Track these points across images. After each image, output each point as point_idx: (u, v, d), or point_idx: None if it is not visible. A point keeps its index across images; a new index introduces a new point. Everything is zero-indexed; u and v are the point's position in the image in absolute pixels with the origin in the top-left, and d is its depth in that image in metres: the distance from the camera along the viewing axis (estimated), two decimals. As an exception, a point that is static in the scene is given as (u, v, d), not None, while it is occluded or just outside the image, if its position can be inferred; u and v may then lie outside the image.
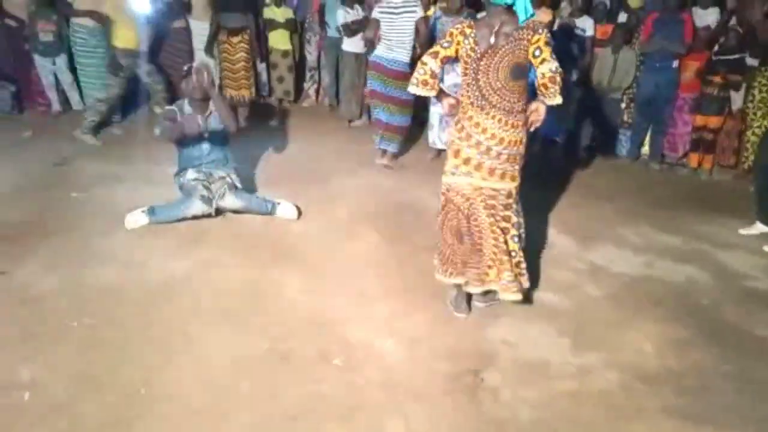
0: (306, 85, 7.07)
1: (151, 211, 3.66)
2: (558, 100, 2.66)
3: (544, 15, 5.40)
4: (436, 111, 5.03)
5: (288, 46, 6.52)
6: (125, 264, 3.22)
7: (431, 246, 3.61)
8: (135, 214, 3.64)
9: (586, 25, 5.72)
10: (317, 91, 7.13)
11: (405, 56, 4.74)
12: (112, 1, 5.00)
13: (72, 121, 5.45)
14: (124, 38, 5.04)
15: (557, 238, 3.92)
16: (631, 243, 3.97)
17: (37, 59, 5.66)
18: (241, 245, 3.53)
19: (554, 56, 2.63)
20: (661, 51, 5.43)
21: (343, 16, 5.84)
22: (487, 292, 2.95)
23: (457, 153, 2.81)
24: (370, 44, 4.96)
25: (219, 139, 3.86)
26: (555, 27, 5.60)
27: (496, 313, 3.02)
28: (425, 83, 2.80)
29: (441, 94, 2.92)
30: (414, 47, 4.77)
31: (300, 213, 3.96)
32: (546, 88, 2.64)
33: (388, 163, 5.12)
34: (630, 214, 4.43)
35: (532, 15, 2.77)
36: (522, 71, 2.68)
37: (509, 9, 2.67)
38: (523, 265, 2.89)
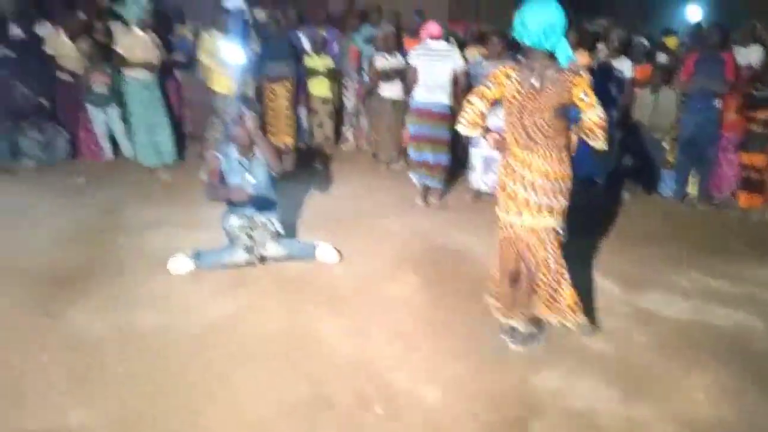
0: (344, 128, 7.20)
1: (197, 257, 3.74)
2: (602, 145, 2.76)
3: (581, 57, 5.40)
4: (478, 153, 5.05)
5: (328, 94, 6.68)
6: (170, 308, 3.30)
7: (472, 290, 3.61)
8: (179, 258, 3.72)
9: (623, 67, 5.71)
10: (356, 136, 7.25)
11: (445, 99, 4.92)
12: (208, 51, 5.52)
13: (123, 168, 5.68)
14: (221, 84, 5.53)
15: (602, 283, 3.83)
16: (679, 287, 3.84)
17: (90, 109, 5.97)
18: (282, 289, 3.58)
19: (598, 101, 2.72)
20: (703, 90, 5.36)
21: (381, 62, 5.97)
22: (530, 335, 3.02)
23: (504, 188, 2.90)
24: (409, 90, 5.16)
25: (263, 183, 3.94)
26: (593, 68, 5.60)
27: (540, 360, 2.95)
28: (474, 123, 2.88)
29: (486, 132, 2.97)
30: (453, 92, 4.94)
31: (340, 256, 3.99)
32: (592, 131, 2.75)
33: (435, 200, 5.27)
34: (677, 257, 4.30)
35: (571, 59, 2.81)
36: (564, 111, 2.77)
37: (550, 54, 2.75)
38: (577, 299, 3.01)
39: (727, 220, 5.46)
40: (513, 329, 3.05)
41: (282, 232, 3.96)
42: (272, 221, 3.93)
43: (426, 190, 5.28)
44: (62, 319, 3.15)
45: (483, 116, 2.86)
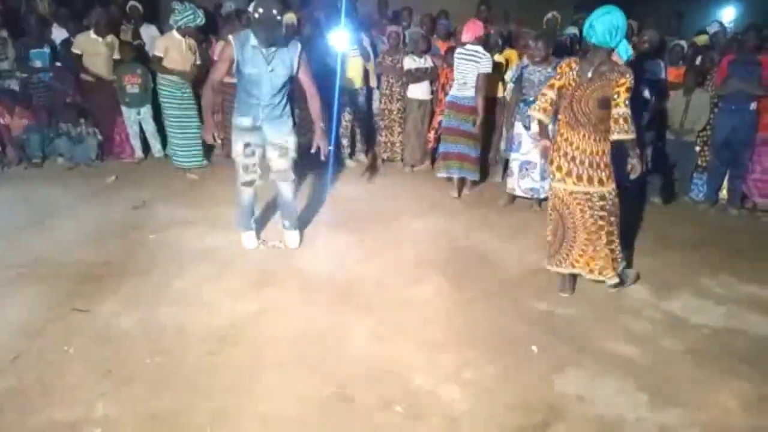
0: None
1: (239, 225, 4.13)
2: (620, 136, 3.24)
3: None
4: (516, 158, 5.07)
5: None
6: (196, 305, 3.33)
7: (498, 292, 3.62)
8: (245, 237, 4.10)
9: (657, 68, 5.61)
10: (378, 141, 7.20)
11: (472, 94, 5.14)
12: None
13: (152, 168, 5.77)
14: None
15: (632, 288, 3.76)
16: (711, 293, 3.75)
17: (124, 110, 6.08)
18: (307, 287, 3.59)
19: (627, 103, 3.22)
20: (738, 93, 5.23)
21: (409, 63, 5.98)
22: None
23: (552, 162, 3.49)
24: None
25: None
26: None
27: (565, 363, 2.90)
28: (545, 110, 3.48)
29: (543, 134, 3.58)
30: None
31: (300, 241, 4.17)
32: (616, 123, 3.25)
33: (468, 191, 5.54)
34: (709, 262, 4.20)
35: (630, 57, 3.41)
36: (607, 103, 3.26)
37: (611, 51, 3.28)
38: (618, 251, 3.54)
39: (760, 224, 5.33)
40: (564, 278, 3.62)
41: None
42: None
43: (461, 183, 5.50)
44: (90, 313, 3.20)
45: (553, 103, 3.45)
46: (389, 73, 6.17)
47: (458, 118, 5.25)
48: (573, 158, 3.37)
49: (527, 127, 4.91)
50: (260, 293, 3.50)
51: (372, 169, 6.18)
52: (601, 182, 3.38)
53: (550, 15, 6.54)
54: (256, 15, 3.42)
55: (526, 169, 5.01)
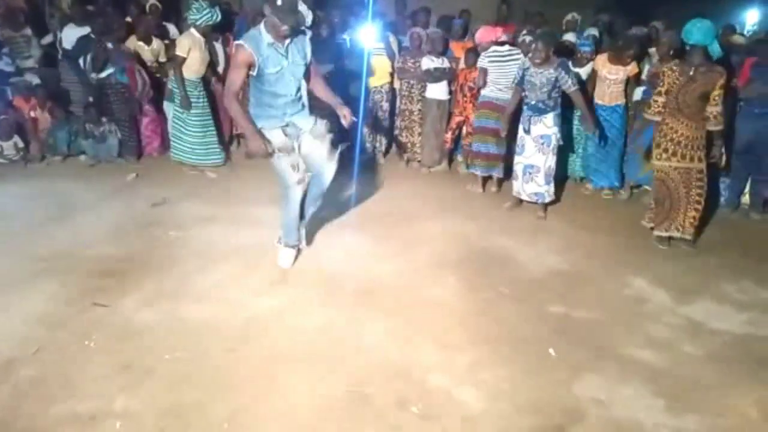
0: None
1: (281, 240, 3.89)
2: (715, 127, 4.20)
3: (632, 68, 5.31)
4: (519, 161, 5.01)
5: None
6: (216, 301, 3.36)
7: (515, 294, 3.61)
8: (281, 254, 3.87)
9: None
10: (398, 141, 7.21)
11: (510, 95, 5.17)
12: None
13: (172, 166, 5.82)
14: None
15: (651, 292, 3.72)
16: (732, 299, 3.70)
17: (165, 105, 5.98)
18: (326, 287, 3.60)
19: (721, 100, 4.11)
20: (760, 97, 5.15)
21: (427, 63, 5.97)
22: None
23: (659, 146, 4.31)
24: (480, 89, 5.52)
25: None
26: (645, 76, 5.44)
27: (583, 367, 2.89)
28: (659, 112, 4.30)
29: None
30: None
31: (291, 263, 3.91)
32: (715, 118, 4.15)
33: (495, 188, 5.70)
34: (730, 267, 4.14)
35: (720, 55, 4.21)
36: (706, 96, 4.09)
37: (705, 50, 4.06)
38: (698, 216, 4.36)
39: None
40: (661, 238, 4.44)
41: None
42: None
43: (485, 180, 5.66)
44: (111, 308, 3.25)
45: (664, 106, 4.25)
46: (407, 78, 6.18)
47: (493, 117, 5.29)
48: (678, 142, 4.20)
49: (527, 131, 4.88)
50: (279, 292, 3.52)
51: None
52: (700, 160, 4.23)
53: (570, 16, 6.49)
54: (279, 2, 3.30)
55: (530, 173, 4.94)
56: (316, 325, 3.17)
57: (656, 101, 4.33)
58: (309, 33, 3.66)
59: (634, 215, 4.98)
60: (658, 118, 4.32)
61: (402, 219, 4.78)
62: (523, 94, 4.87)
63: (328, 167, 3.75)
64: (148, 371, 2.71)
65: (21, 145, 5.97)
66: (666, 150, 4.27)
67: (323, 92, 3.80)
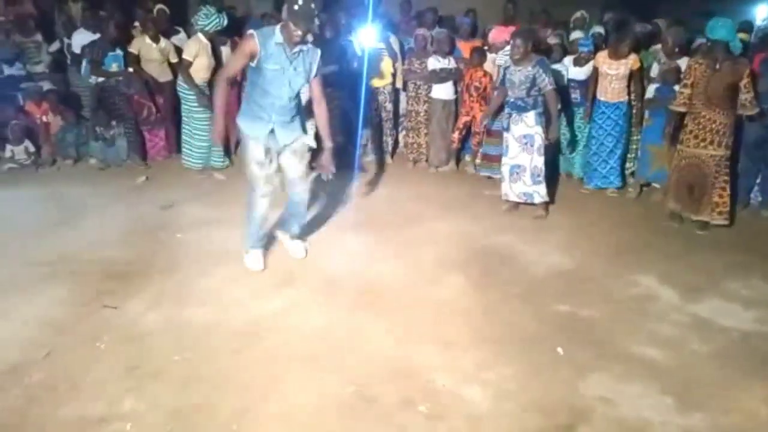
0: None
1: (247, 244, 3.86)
2: (749, 112, 4.44)
3: (633, 62, 5.28)
4: (506, 162, 4.96)
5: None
6: (221, 304, 3.39)
7: (520, 293, 3.60)
8: (248, 257, 3.86)
9: (683, 67, 5.49)
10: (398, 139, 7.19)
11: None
12: None
13: (182, 169, 5.85)
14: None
15: (659, 290, 3.70)
16: (740, 296, 3.67)
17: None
18: (329, 287, 3.62)
19: (750, 87, 4.35)
20: (769, 93, 5.11)
21: (433, 63, 5.97)
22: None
23: (685, 128, 4.59)
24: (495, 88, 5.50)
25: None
26: (655, 74, 5.41)
27: (589, 365, 2.88)
28: (685, 104, 4.55)
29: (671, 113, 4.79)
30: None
31: (306, 253, 4.03)
32: (749, 103, 4.40)
33: None
34: (739, 265, 4.11)
35: (740, 49, 4.48)
36: (733, 87, 4.35)
37: (726, 45, 4.32)
38: (725, 202, 4.61)
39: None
40: (673, 214, 4.78)
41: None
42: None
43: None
44: (118, 310, 3.28)
45: (691, 98, 4.50)
46: (414, 79, 6.18)
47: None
48: (717, 131, 4.46)
49: (506, 128, 4.85)
50: (283, 293, 3.54)
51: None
52: (727, 147, 4.50)
53: (578, 14, 6.47)
54: (295, 6, 3.30)
55: (517, 173, 4.89)
56: (319, 325, 3.19)
57: (682, 93, 4.57)
58: (318, 53, 3.62)
59: (640, 213, 4.96)
60: (683, 109, 4.55)
61: (407, 219, 4.79)
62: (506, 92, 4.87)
63: (300, 186, 3.82)
64: (155, 373, 2.73)
65: (32, 149, 6.04)
66: (704, 139, 4.51)
67: (320, 121, 3.78)
